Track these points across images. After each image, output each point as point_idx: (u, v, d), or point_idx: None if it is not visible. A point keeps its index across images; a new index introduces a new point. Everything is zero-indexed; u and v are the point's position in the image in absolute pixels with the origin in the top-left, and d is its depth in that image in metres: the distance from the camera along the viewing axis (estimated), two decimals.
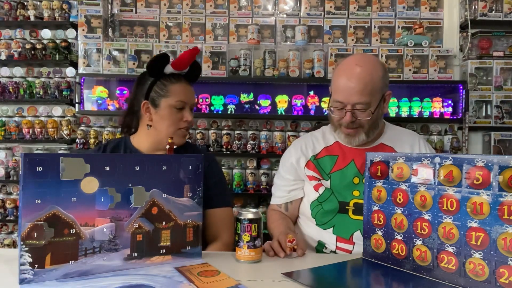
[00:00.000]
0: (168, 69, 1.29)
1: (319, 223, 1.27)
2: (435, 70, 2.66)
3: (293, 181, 1.35)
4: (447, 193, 0.83)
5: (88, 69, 2.68)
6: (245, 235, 0.95)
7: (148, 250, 0.90)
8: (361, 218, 1.19)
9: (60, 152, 2.73)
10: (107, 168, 0.85)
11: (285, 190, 1.37)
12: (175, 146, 1.26)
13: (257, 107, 2.71)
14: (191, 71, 1.35)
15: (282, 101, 2.67)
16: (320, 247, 1.26)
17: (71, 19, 2.78)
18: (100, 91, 2.68)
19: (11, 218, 2.71)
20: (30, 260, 0.77)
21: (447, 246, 0.82)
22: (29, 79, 2.83)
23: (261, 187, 2.65)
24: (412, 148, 1.31)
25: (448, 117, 2.68)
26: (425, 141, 1.36)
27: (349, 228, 1.22)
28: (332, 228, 1.24)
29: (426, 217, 0.86)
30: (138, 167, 0.89)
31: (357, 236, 1.20)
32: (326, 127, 1.41)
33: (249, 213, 0.97)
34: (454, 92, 2.71)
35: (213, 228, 1.30)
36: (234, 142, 2.64)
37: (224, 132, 2.67)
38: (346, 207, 1.24)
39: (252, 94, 2.69)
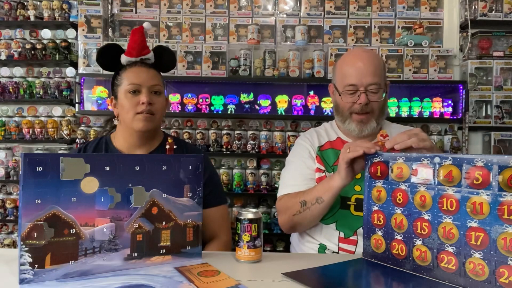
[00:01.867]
0: (123, 58, 1.27)
1: (323, 217, 1.24)
2: (435, 70, 2.66)
3: (313, 170, 1.30)
4: (447, 193, 0.83)
5: (88, 69, 2.68)
6: (245, 235, 0.95)
7: (148, 250, 0.90)
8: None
9: (60, 152, 2.73)
10: (107, 168, 0.85)
11: (306, 178, 1.28)
12: (174, 146, 1.26)
13: (257, 107, 2.71)
14: (159, 59, 1.31)
15: (282, 101, 2.67)
16: (321, 250, 1.25)
17: (71, 19, 2.78)
18: (100, 91, 2.68)
19: (11, 218, 2.71)
20: (30, 260, 0.77)
21: (447, 246, 0.82)
22: (29, 79, 2.83)
23: (261, 187, 2.64)
24: None
25: (448, 117, 2.68)
26: None
27: (352, 224, 1.21)
28: (335, 224, 1.24)
29: (426, 217, 0.86)
30: (138, 167, 0.89)
31: (361, 232, 1.18)
32: (327, 123, 1.42)
33: (249, 213, 0.96)
34: (454, 92, 2.71)
35: (209, 228, 1.28)
36: (234, 142, 2.64)
37: (224, 132, 2.67)
38: (348, 202, 1.24)
39: (252, 94, 2.69)
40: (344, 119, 1.30)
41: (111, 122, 1.40)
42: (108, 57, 1.28)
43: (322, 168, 1.30)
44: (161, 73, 1.33)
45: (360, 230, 1.19)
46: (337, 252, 1.22)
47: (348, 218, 1.23)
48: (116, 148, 1.31)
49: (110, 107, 2.62)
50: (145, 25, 1.28)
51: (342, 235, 1.23)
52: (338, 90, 1.29)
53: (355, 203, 1.23)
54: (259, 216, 0.98)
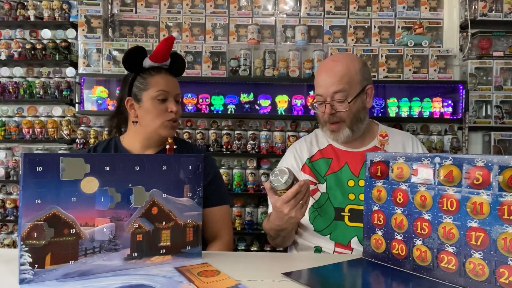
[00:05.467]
0: (147, 62, 1.28)
1: (317, 229, 1.25)
2: (435, 70, 2.66)
3: None
4: (447, 193, 0.83)
5: (88, 69, 2.68)
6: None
7: (148, 250, 0.90)
8: (357, 224, 1.20)
9: (60, 152, 2.73)
10: (107, 168, 0.85)
11: None
12: (174, 147, 1.26)
13: (257, 107, 2.71)
14: (173, 64, 1.33)
15: (282, 101, 2.67)
16: (317, 252, 1.25)
17: (71, 19, 2.78)
18: (100, 91, 2.68)
19: (11, 218, 2.71)
20: (30, 260, 0.77)
21: (447, 246, 0.82)
22: (29, 79, 2.83)
23: (261, 187, 2.64)
24: (404, 149, 1.31)
25: (448, 117, 2.68)
26: (419, 141, 1.36)
27: (347, 234, 1.21)
28: (329, 235, 1.24)
29: (426, 217, 0.86)
30: (138, 167, 0.89)
31: (355, 242, 1.20)
32: (319, 130, 1.42)
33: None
34: (454, 92, 2.71)
35: (211, 228, 1.29)
36: (234, 142, 2.64)
37: (224, 132, 2.67)
38: (342, 213, 1.23)
39: (252, 94, 2.69)
40: (321, 127, 1.34)
41: (118, 128, 1.40)
42: (134, 59, 1.28)
43: (314, 180, 1.29)
44: None
45: (355, 239, 1.20)
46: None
47: (342, 229, 1.22)
48: (125, 149, 1.32)
49: (109, 107, 2.64)
50: (175, 35, 1.32)
51: (338, 242, 1.23)
52: (313, 99, 1.33)
53: (349, 214, 1.22)
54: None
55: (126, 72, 1.33)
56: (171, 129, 1.29)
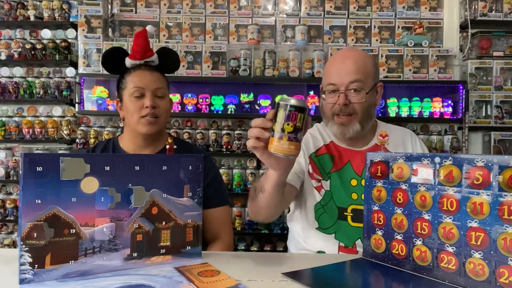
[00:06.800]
0: (128, 62, 1.28)
1: (322, 227, 1.23)
2: (435, 70, 2.67)
3: (297, 167, 1.22)
4: (447, 193, 0.83)
5: (88, 69, 2.68)
6: (288, 124, 0.79)
7: (148, 250, 0.90)
8: (361, 225, 1.18)
9: (60, 152, 2.73)
10: (107, 168, 0.85)
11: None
12: (174, 147, 1.26)
13: (257, 107, 2.71)
14: (165, 60, 1.31)
15: None
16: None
17: (71, 19, 2.78)
18: (100, 91, 2.68)
19: (11, 218, 2.71)
20: (30, 260, 0.77)
21: (447, 246, 0.82)
22: (29, 79, 2.83)
23: None
24: (405, 145, 1.29)
25: (448, 117, 2.68)
26: (417, 137, 1.34)
27: (351, 235, 1.20)
28: (334, 234, 1.22)
29: (426, 217, 0.86)
30: (138, 167, 0.89)
31: (360, 244, 1.18)
32: (319, 124, 1.37)
33: (294, 99, 0.79)
34: (454, 92, 2.71)
35: (211, 228, 1.28)
36: (234, 142, 2.65)
37: (224, 132, 2.67)
38: (345, 213, 1.21)
39: (252, 94, 2.69)
40: (327, 121, 1.26)
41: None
42: (113, 60, 1.29)
43: (319, 177, 1.25)
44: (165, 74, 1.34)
45: (359, 242, 1.18)
46: None
47: (346, 229, 1.21)
48: (122, 149, 1.32)
49: (109, 107, 2.64)
50: (148, 28, 1.29)
51: (342, 244, 1.21)
52: (322, 90, 1.26)
53: (352, 214, 1.21)
54: (307, 107, 0.81)
55: None
56: (148, 125, 1.24)
